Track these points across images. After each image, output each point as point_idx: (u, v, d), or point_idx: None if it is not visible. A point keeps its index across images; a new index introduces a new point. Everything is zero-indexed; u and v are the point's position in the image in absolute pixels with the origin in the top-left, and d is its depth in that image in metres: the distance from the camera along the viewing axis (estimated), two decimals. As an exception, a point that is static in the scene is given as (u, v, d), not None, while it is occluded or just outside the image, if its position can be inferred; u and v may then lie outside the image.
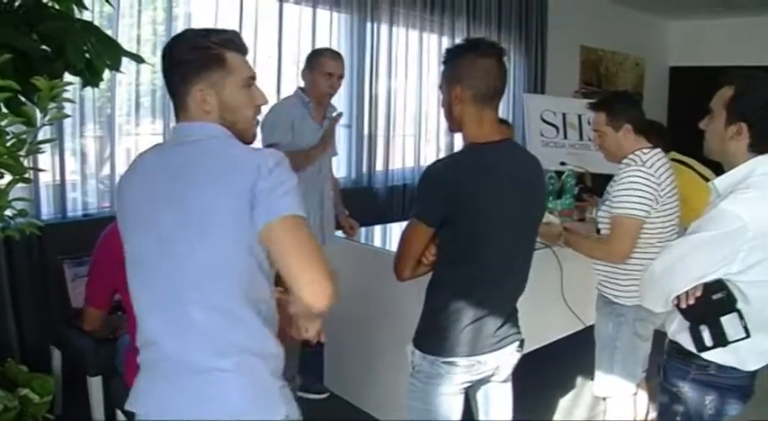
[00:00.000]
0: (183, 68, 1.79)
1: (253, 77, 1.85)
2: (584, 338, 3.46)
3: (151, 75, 4.66)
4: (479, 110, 2.32)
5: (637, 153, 3.10)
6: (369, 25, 6.16)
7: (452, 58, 2.34)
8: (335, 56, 3.98)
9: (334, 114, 3.98)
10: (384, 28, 6.34)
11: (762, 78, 2.24)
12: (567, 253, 3.40)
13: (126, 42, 4.29)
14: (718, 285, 2.17)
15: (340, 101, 5.99)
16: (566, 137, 6.03)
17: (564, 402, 4.31)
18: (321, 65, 3.87)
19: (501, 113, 7.39)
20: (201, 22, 4.92)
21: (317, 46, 5.52)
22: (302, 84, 4.04)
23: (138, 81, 4.60)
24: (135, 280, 1.83)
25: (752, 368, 2.29)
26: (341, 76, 3.97)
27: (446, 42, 6.94)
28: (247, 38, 5.00)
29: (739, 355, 2.24)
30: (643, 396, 3.44)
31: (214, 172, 1.70)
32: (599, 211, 3.23)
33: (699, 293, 2.18)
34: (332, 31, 5.95)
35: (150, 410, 1.81)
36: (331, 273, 1.58)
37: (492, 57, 2.32)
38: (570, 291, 3.59)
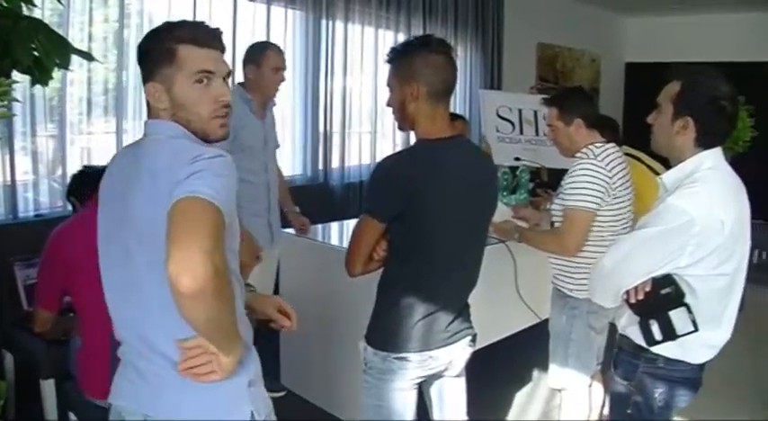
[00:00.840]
0: (142, 64, 1.78)
1: (208, 71, 1.75)
2: (540, 332, 3.48)
3: (104, 73, 4.60)
4: (433, 106, 2.33)
5: (590, 147, 3.13)
6: (324, 22, 6.14)
7: (404, 56, 2.33)
8: (280, 50, 3.97)
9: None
10: (339, 25, 6.32)
11: (708, 74, 2.27)
12: (520, 247, 3.42)
13: (78, 41, 4.24)
14: (667, 280, 2.20)
15: (295, 98, 5.99)
16: (522, 132, 6.06)
17: (520, 396, 4.33)
18: (269, 59, 3.84)
19: (458, 109, 7.48)
20: (156, 19, 4.87)
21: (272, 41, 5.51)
22: (241, 79, 3.98)
23: (92, 79, 4.54)
24: (104, 278, 1.84)
25: (700, 361, 2.34)
26: (284, 70, 3.95)
27: (402, 39, 6.92)
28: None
29: (687, 349, 2.28)
30: (598, 388, 3.48)
31: (149, 175, 1.66)
32: (552, 205, 3.26)
33: (648, 288, 2.21)
34: (286, 28, 5.91)
35: (123, 404, 1.81)
36: (211, 259, 1.45)
37: (443, 53, 2.33)
38: (525, 285, 3.61)
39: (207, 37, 1.79)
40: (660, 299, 2.20)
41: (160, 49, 1.74)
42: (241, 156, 3.63)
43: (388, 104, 2.42)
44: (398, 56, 2.35)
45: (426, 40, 2.34)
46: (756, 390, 4.75)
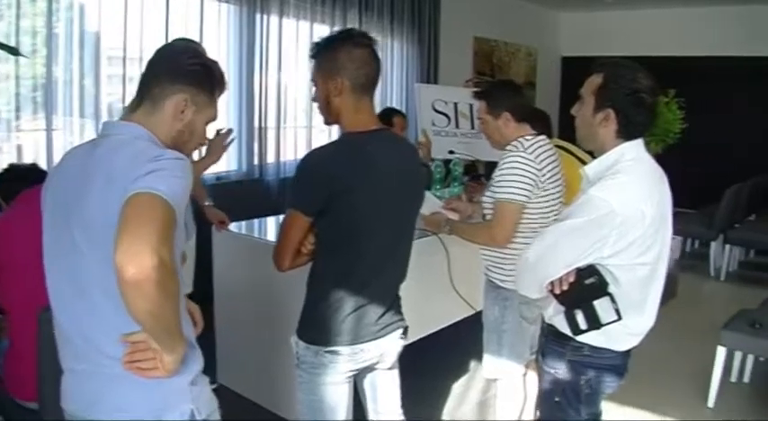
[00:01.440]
0: (186, 74, 1.84)
1: (214, 119, 1.93)
2: (475, 323, 3.50)
3: (32, 69, 4.51)
4: (357, 100, 2.32)
5: (519, 140, 3.15)
6: (258, 16, 6.09)
7: (327, 51, 2.32)
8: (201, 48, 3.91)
9: (224, 131, 3.84)
10: (274, 19, 6.27)
11: (630, 67, 2.30)
12: (453, 239, 3.43)
13: (4, 37, 4.15)
14: (591, 270, 2.22)
15: (229, 93, 5.91)
16: (457, 126, 6.11)
17: (457, 386, 4.36)
18: None
19: (394, 103, 7.50)
20: (87, 12, 4.80)
21: (205, 38, 5.46)
22: None
23: (19, 75, 4.44)
24: (49, 278, 1.83)
25: (624, 348, 2.39)
26: None
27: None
28: (133, 30, 4.92)
29: (612, 337, 2.31)
30: (533, 376, 3.51)
31: (106, 175, 1.67)
32: (483, 197, 3.28)
33: (572, 279, 2.23)
34: (220, 22, 5.86)
35: (73, 408, 1.83)
36: (157, 252, 1.49)
37: (366, 46, 2.33)
38: (459, 277, 3.62)
39: (223, 90, 1.97)
40: (584, 289, 2.22)
41: (210, 77, 1.90)
42: None
43: (314, 100, 2.41)
44: (321, 51, 2.34)
45: (348, 34, 2.34)
46: (689, 375, 4.85)
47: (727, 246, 7.86)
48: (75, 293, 1.74)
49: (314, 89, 2.39)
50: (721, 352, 4.38)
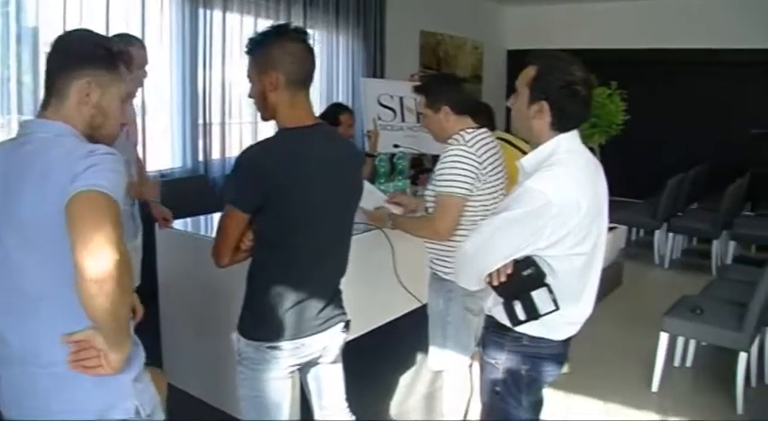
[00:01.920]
0: (80, 58, 1.81)
1: (130, 96, 1.88)
2: (421, 316, 3.51)
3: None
4: (293, 95, 2.32)
5: (460, 133, 3.16)
6: (201, 11, 6.03)
7: (262, 46, 2.32)
8: (143, 45, 3.88)
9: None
10: (217, 14, 6.22)
11: (564, 59, 2.31)
12: (398, 233, 3.44)
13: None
14: (528, 262, 2.24)
15: (172, 89, 5.87)
16: (403, 120, 6.12)
17: (405, 379, 4.38)
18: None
19: (340, 98, 7.49)
20: (26, 7, 4.71)
21: (147, 32, 5.39)
22: None
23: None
24: None
25: (563, 337, 2.42)
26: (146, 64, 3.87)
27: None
28: (72, 25, 4.84)
29: (550, 326, 2.34)
30: (479, 367, 3.54)
31: (40, 174, 1.65)
32: (426, 190, 3.29)
33: (509, 270, 2.24)
34: (162, 16, 5.78)
35: (11, 413, 1.81)
36: (117, 249, 1.52)
37: (301, 41, 2.33)
38: (405, 270, 3.63)
39: (131, 64, 1.95)
40: (522, 280, 2.23)
41: (107, 54, 1.83)
42: None
43: (250, 96, 2.41)
44: (256, 46, 2.33)
45: (283, 29, 2.34)
46: (633, 361, 4.94)
47: (671, 235, 8.03)
48: (11, 297, 1.72)
49: (250, 85, 2.39)
50: (664, 337, 4.47)
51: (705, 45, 10.01)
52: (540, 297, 2.24)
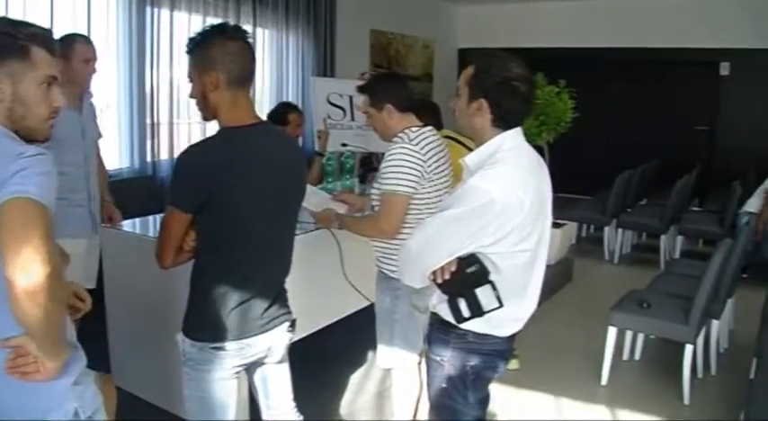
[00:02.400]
0: None
1: (54, 77, 1.81)
2: (373, 314, 3.51)
3: None
4: (234, 94, 2.31)
5: (405, 131, 3.16)
6: (149, 10, 5.97)
7: (201, 46, 2.30)
8: (88, 40, 3.93)
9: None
10: (165, 12, 6.17)
11: (502, 57, 2.34)
12: (345, 231, 3.44)
13: None
14: (472, 259, 2.25)
15: (119, 88, 5.80)
16: (353, 119, 6.13)
17: (355, 377, 4.37)
18: (77, 51, 3.77)
19: (290, 98, 7.46)
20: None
21: (93, 31, 5.30)
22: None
23: None
24: None
25: (508, 334, 2.44)
26: (96, 60, 3.88)
27: (231, 27, 6.84)
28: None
29: (495, 323, 2.36)
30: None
31: None
32: (371, 189, 3.29)
33: (453, 268, 2.25)
34: (108, 15, 5.71)
35: None
36: (48, 259, 1.51)
37: (240, 39, 2.32)
38: (353, 268, 3.62)
39: (53, 43, 1.83)
40: (466, 277, 2.25)
41: (12, 43, 1.74)
42: (58, 148, 3.59)
43: (191, 96, 2.40)
44: (195, 46, 2.32)
45: (222, 28, 2.33)
46: (583, 355, 5.01)
47: (620, 231, 8.14)
48: None
49: (191, 85, 2.37)
50: (612, 332, 4.53)
51: (652, 44, 10.18)
52: (484, 294, 2.26)
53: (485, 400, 2.55)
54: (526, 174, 2.30)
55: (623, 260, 8.12)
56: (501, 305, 2.27)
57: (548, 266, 6.63)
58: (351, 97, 6.17)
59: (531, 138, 6.35)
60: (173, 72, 6.21)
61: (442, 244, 2.25)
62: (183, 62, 6.18)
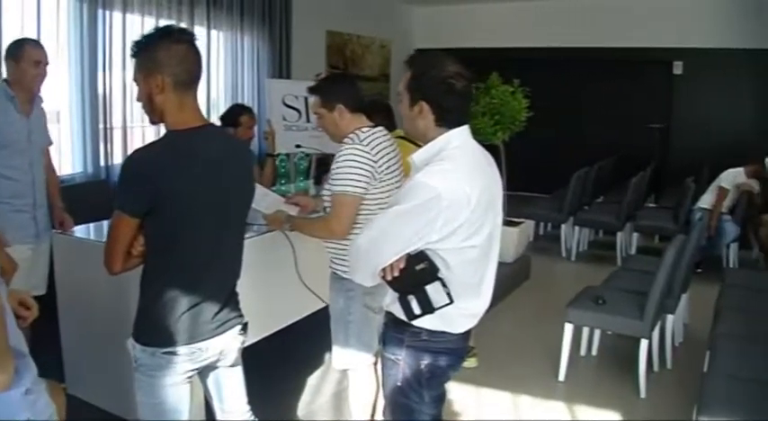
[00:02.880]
0: None
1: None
2: (329, 315, 3.50)
3: None
4: (180, 97, 2.29)
5: (356, 132, 3.16)
6: (100, 12, 5.90)
7: (147, 49, 2.27)
8: (38, 44, 3.90)
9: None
10: (117, 15, 6.11)
11: (436, 57, 2.38)
12: (300, 233, 3.43)
13: None
14: (421, 256, 2.27)
15: (71, 92, 5.73)
16: (308, 120, 6.12)
17: (312, 379, 4.35)
18: (27, 54, 3.73)
19: (245, 99, 7.42)
20: None
21: (43, 34, 5.24)
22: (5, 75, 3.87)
23: None
24: None
25: (461, 330, 2.44)
26: (47, 64, 3.83)
27: (186, 29, 6.80)
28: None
29: (448, 320, 2.36)
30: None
31: None
32: (323, 190, 3.29)
33: (402, 265, 2.27)
34: (59, 17, 5.63)
35: None
36: None
37: (186, 42, 2.29)
38: (307, 270, 3.60)
39: None
40: (415, 274, 2.26)
41: None
42: (3, 152, 3.67)
43: (138, 99, 2.36)
44: (141, 49, 2.29)
45: (167, 31, 2.31)
46: (541, 352, 5.05)
47: (577, 228, 8.22)
48: None
49: (137, 89, 2.34)
50: (568, 328, 4.57)
51: (607, 44, 10.31)
52: (434, 291, 2.27)
53: (441, 398, 2.56)
54: (473, 171, 2.31)
55: (580, 257, 8.20)
56: (451, 301, 2.28)
57: (505, 264, 6.73)
58: (306, 98, 6.15)
59: (486, 138, 6.47)
60: (126, 75, 6.12)
61: (390, 241, 2.26)
62: (136, 65, 6.15)
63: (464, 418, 4.09)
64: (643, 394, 4.38)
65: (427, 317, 2.32)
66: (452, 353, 2.47)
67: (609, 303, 4.52)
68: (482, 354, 4.79)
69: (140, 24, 6.34)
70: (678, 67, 10.39)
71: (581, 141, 10.89)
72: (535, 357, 5.01)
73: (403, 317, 2.36)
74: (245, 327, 2.57)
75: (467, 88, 2.34)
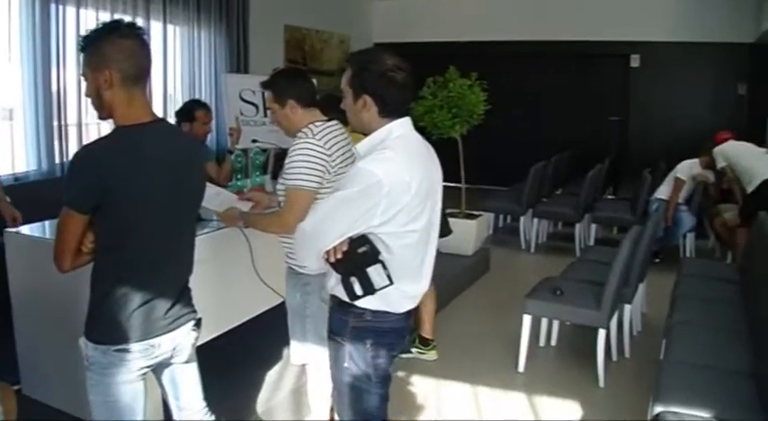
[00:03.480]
0: None
1: None
2: (285, 311, 3.50)
3: None
4: (129, 92, 2.26)
5: (309, 126, 3.15)
6: (53, 6, 5.84)
7: (94, 43, 2.24)
8: None
9: None
10: (71, 10, 6.04)
11: (373, 51, 2.56)
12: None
13: None
14: (362, 239, 2.36)
15: (24, 89, 5.65)
16: (265, 115, 6.09)
17: (270, 375, 4.29)
18: None
19: (203, 94, 7.35)
20: None
21: (-9, 30, 5.17)
22: None
23: None
24: None
25: (402, 310, 2.54)
26: None
27: (141, 24, 6.73)
28: None
29: (389, 300, 2.47)
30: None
31: None
32: (278, 185, 3.27)
33: (345, 248, 2.35)
34: (10, 12, 5.56)
35: None
36: None
37: (134, 36, 2.27)
38: (264, 266, 3.59)
39: None
40: (357, 257, 2.36)
41: None
42: None
43: (87, 94, 2.34)
44: (88, 43, 2.26)
45: (115, 25, 2.28)
46: (501, 344, 5.08)
47: (536, 220, 8.26)
48: None
49: (85, 84, 2.31)
50: (527, 319, 4.61)
51: (565, 37, 10.41)
52: (375, 273, 2.37)
53: (387, 379, 2.62)
54: (413, 160, 2.40)
55: (540, 249, 8.26)
56: (391, 283, 2.38)
57: (465, 257, 6.77)
58: (263, 93, 6.12)
59: (444, 131, 6.48)
60: (80, 71, 6.02)
61: (333, 224, 2.35)
62: (90, 61, 6.07)
63: (425, 411, 4.11)
64: (602, 383, 4.44)
65: (369, 297, 2.41)
66: (395, 332, 2.56)
67: (566, 294, 4.56)
68: (442, 347, 4.82)
69: (95, 19, 6.24)
70: (635, 61, 10.55)
71: (540, 134, 10.99)
72: (495, 349, 5.04)
73: (346, 298, 2.44)
74: (198, 323, 2.56)
75: (406, 79, 2.43)
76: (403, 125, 2.45)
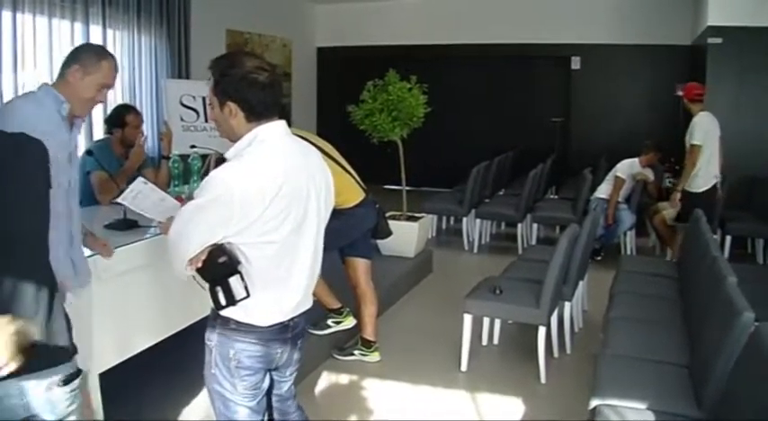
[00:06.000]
0: None
1: None
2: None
3: None
4: None
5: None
6: (-12, 11, 5.73)
7: None
8: None
9: None
10: (6, 14, 5.96)
11: (231, 55, 2.56)
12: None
13: None
14: (221, 249, 2.31)
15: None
16: (206, 120, 6.06)
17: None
18: None
19: (143, 100, 7.26)
20: None
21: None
22: None
23: None
24: None
25: (266, 323, 2.45)
26: None
27: (80, 29, 6.68)
28: None
29: (252, 312, 2.40)
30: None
31: None
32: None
33: (204, 257, 2.30)
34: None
35: None
36: None
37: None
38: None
39: None
40: (217, 267, 2.30)
41: None
42: None
43: None
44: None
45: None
46: (444, 344, 5.12)
47: (479, 221, 8.34)
48: None
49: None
50: (467, 319, 4.64)
51: (508, 40, 10.54)
52: (236, 283, 2.31)
53: (256, 391, 2.55)
54: (275, 165, 2.34)
55: (483, 249, 8.35)
56: (248, 295, 2.32)
57: (407, 259, 6.76)
58: (204, 99, 6.10)
59: (384, 134, 6.51)
60: (17, 77, 5.97)
61: (190, 233, 2.30)
62: (28, 66, 6.00)
63: (369, 412, 4.15)
64: (543, 380, 4.50)
65: (232, 308, 2.35)
66: (263, 344, 2.47)
67: (506, 293, 4.61)
68: (385, 348, 4.84)
69: (32, 24, 6.19)
70: (576, 63, 10.73)
71: (482, 136, 11.11)
72: (438, 349, 5.07)
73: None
74: None
75: (270, 79, 2.37)
76: (270, 128, 2.39)
